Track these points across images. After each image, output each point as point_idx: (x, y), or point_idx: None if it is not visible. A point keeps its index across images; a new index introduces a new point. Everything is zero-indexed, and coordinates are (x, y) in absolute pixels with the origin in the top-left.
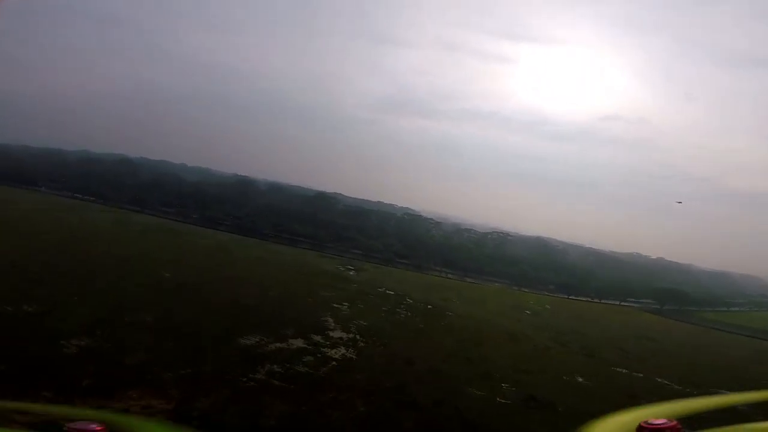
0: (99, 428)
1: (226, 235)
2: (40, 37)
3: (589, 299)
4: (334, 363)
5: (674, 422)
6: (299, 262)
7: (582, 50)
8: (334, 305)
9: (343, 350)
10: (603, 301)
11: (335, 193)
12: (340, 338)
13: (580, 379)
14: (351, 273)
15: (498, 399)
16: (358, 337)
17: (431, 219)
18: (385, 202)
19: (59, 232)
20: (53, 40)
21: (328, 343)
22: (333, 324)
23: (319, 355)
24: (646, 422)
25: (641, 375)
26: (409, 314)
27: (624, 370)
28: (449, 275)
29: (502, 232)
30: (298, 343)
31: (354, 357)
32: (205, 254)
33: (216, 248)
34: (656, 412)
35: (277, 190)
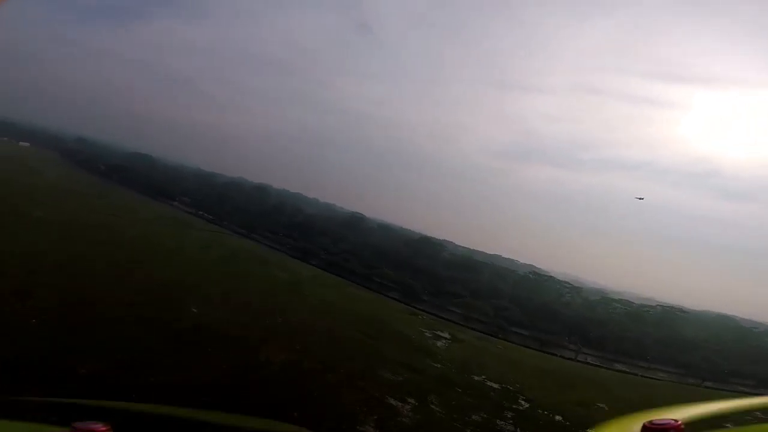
0: (104, 428)
1: (313, 270)
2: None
3: None
4: None
5: (678, 422)
6: (375, 316)
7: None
8: (390, 400)
9: None
10: None
11: (444, 240)
12: None
13: None
14: (440, 343)
15: None
16: None
17: (566, 282)
18: (503, 256)
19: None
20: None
21: None
22: None
23: None
24: (650, 422)
25: None
26: None
27: None
28: (590, 359)
29: (668, 306)
30: None
31: None
32: (271, 291)
33: (288, 284)
34: (662, 414)
35: (385, 229)
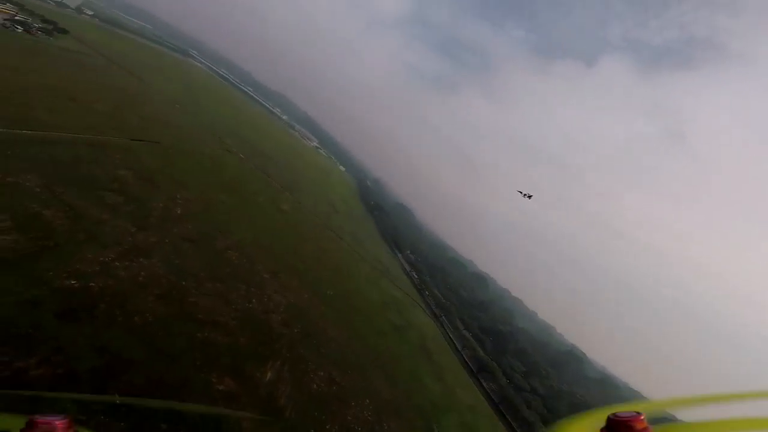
0: (62, 422)
1: (476, 395)
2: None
3: None
4: None
5: (641, 415)
6: None
7: None
8: None
9: None
10: None
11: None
12: None
13: None
14: None
15: None
16: None
17: None
18: None
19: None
20: None
21: None
22: None
23: None
24: (614, 415)
25: None
26: None
27: None
28: None
29: None
30: None
31: None
32: (405, 404)
33: (430, 404)
34: (625, 408)
35: (609, 384)
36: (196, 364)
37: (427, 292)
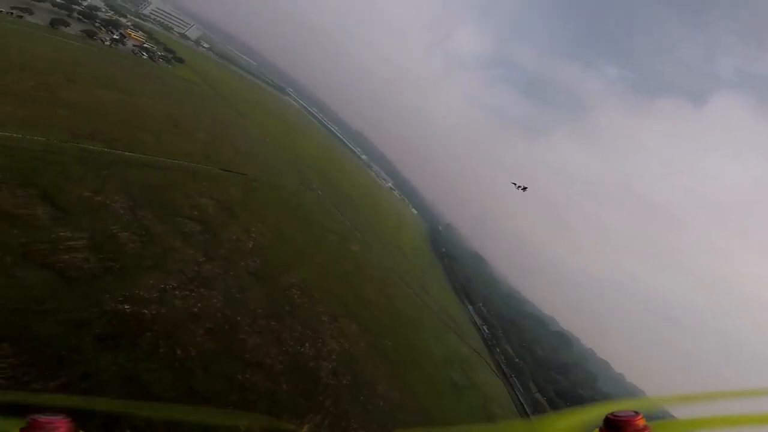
0: (62, 421)
1: None
2: None
3: None
4: None
5: (639, 414)
6: None
7: None
8: None
9: None
10: None
11: None
12: None
13: None
14: None
15: None
16: None
17: None
18: None
19: None
20: None
21: None
22: None
23: None
24: (612, 414)
25: None
26: None
27: None
28: None
29: None
30: None
31: None
32: None
33: None
34: (622, 406)
35: None
36: (227, 408)
37: (498, 349)
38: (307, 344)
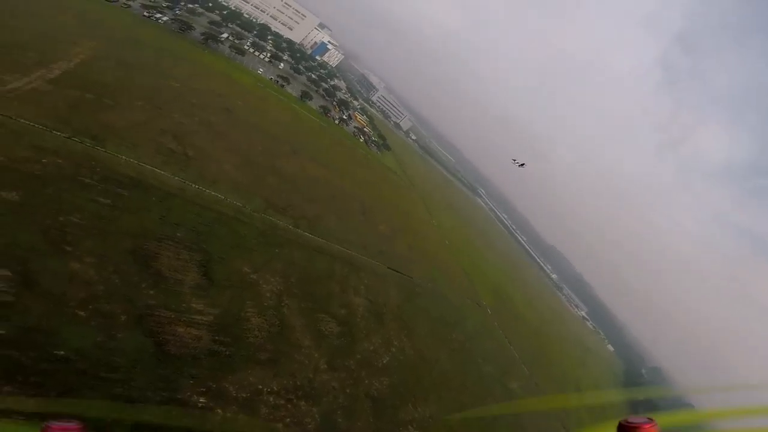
0: (76, 427)
1: None
2: None
3: None
4: None
5: (652, 420)
6: None
7: None
8: None
9: None
10: None
11: None
12: None
13: None
14: None
15: None
16: None
17: None
18: None
19: None
20: None
21: None
22: None
23: None
24: (625, 420)
25: None
26: None
27: None
28: None
29: None
30: None
31: None
32: None
33: None
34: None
35: None
36: None
37: None
38: None
